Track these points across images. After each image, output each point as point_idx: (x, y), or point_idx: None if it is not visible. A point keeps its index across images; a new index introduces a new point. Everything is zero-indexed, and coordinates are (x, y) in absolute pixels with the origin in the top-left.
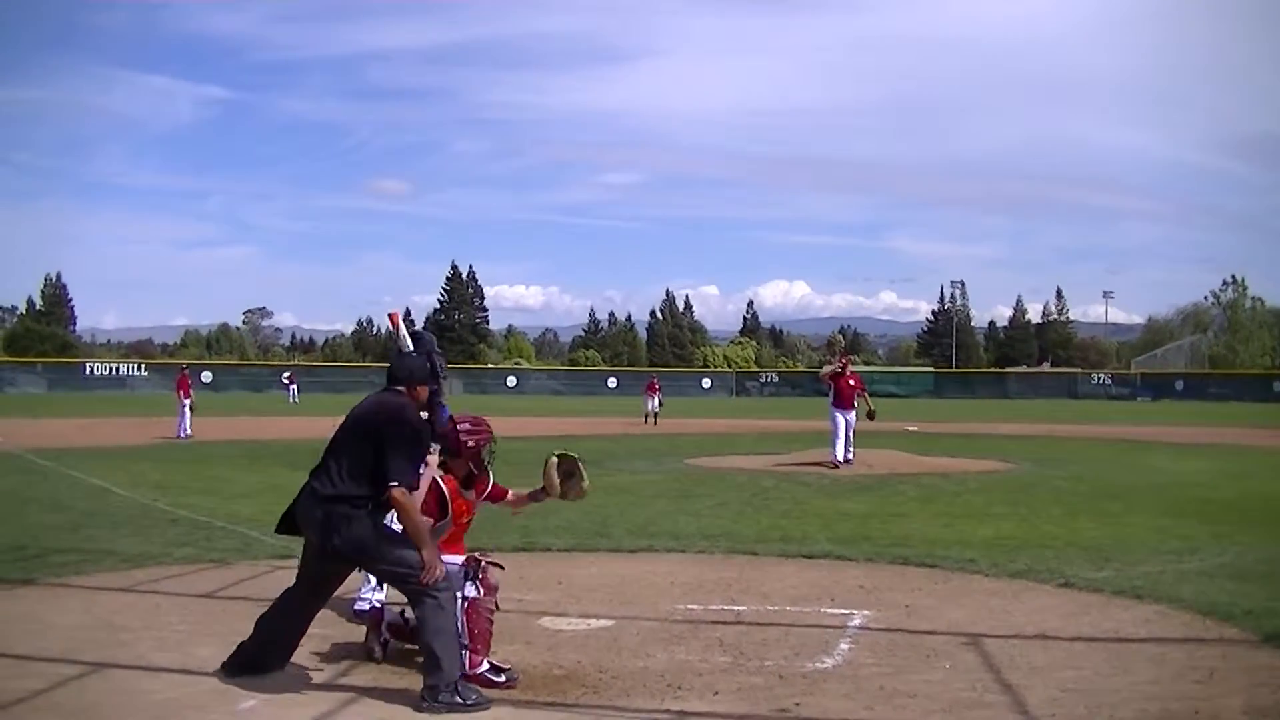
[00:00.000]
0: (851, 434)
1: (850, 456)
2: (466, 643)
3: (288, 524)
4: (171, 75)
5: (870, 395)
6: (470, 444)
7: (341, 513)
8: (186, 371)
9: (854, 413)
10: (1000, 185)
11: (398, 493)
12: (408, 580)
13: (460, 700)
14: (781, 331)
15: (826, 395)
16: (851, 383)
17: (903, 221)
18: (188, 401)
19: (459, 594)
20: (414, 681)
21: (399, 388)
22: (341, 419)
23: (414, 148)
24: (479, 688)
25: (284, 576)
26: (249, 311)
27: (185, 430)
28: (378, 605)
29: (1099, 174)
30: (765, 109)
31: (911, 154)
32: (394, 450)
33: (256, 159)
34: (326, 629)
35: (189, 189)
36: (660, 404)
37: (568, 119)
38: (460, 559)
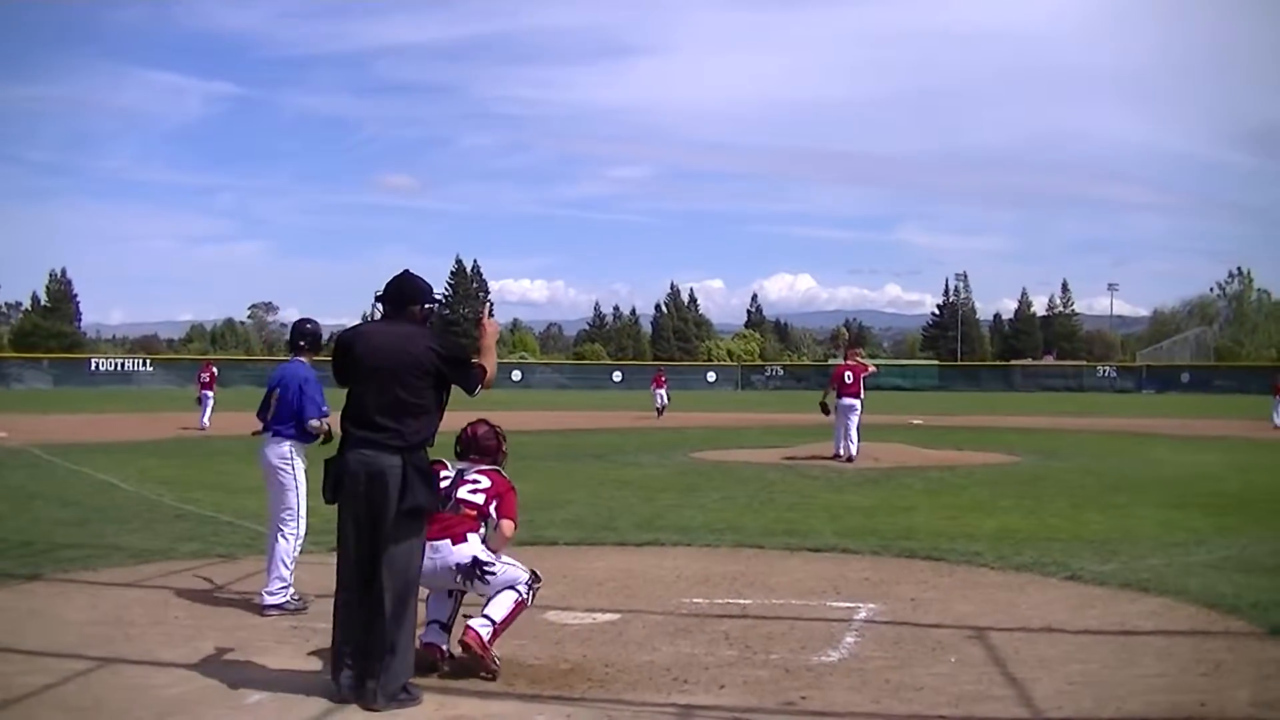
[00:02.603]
0: (848, 427)
1: (850, 451)
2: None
3: (337, 486)
4: (181, 71)
5: (875, 389)
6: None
7: (423, 466)
8: (213, 368)
9: (855, 402)
10: (1006, 178)
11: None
12: (407, 574)
13: (410, 694)
14: (786, 325)
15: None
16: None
17: (908, 215)
18: (210, 394)
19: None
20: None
21: (414, 308)
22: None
23: (422, 143)
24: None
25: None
26: (254, 306)
27: (204, 421)
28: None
29: (1105, 167)
30: (772, 103)
31: (918, 147)
32: (464, 369)
33: (265, 155)
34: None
35: (198, 184)
36: (668, 398)
37: (576, 113)
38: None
